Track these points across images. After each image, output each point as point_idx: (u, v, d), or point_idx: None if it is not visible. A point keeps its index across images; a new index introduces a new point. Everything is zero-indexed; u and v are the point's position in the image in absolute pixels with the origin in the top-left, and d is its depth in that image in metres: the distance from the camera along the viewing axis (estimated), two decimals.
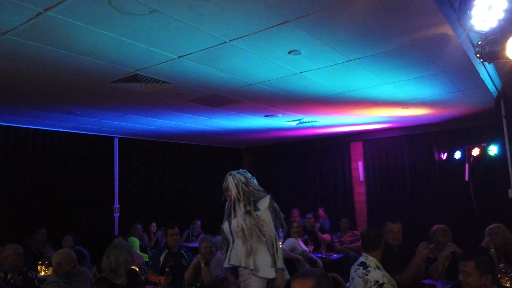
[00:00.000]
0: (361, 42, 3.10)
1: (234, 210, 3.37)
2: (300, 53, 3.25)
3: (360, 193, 8.17)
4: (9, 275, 3.49)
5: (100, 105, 4.86)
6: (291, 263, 5.00)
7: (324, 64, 3.57)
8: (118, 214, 7.07)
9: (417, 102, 5.26)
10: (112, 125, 6.15)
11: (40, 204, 5.97)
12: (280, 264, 3.23)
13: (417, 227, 6.96)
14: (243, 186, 3.34)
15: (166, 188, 7.92)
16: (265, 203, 3.34)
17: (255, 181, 3.49)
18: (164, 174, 7.96)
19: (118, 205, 7.09)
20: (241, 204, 3.32)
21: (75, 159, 6.54)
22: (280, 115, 5.80)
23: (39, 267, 4.64)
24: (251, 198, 3.33)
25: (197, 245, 6.44)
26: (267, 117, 5.95)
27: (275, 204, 3.47)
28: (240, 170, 3.52)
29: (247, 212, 3.28)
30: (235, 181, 3.36)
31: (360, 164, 8.17)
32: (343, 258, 5.58)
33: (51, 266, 4.64)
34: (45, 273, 4.60)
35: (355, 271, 3.02)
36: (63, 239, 5.46)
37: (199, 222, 7.39)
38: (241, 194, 3.32)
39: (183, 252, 4.58)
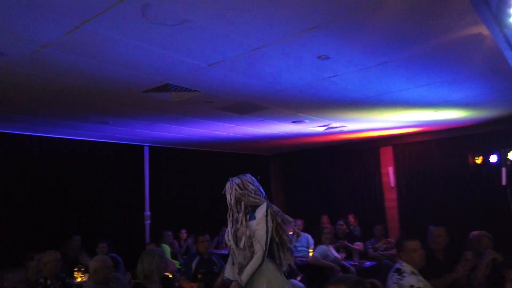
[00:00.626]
0: (392, 44, 3.05)
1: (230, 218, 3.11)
2: (330, 57, 3.23)
3: (391, 199, 7.99)
4: (49, 281, 3.60)
5: (131, 115, 4.98)
6: (323, 271, 4.93)
7: (353, 68, 3.53)
8: (149, 222, 7.19)
9: (450, 104, 5.12)
10: (142, 134, 6.29)
11: (75, 212, 6.15)
12: (243, 279, 2.86)
13: (452, 233, 6.71)
14: (237, 190, 3.09)
15: (195, 195, 8.00)
16: (261, 211, 2.98)
17: (255, 185, 3.15)
18: (193, 182, 8.05)
19: (149, 213, 7.21)
20: (233, 212, 3.07)
21: (107, 168, 6.71)
22: (307, 120, 5.77)
23: (75, 274, 4.77)
24: (248, 204, 3.03)
25: (227, 252, 6.50)
26: (295, 123, 5.93)
27: (276, 209, 3.06)
28: (244, 174, 3.26)
29: (236, 221, 3.01)
30: (231, 185, 3.15)
31: (391, 170, 7.99)
32: (376, 266, 5.45)
33: (87, 273, 4.78)
34: (82, 279, 4.72)
35: (390, 278, 2.95)
36: (97, 246, 5.59)
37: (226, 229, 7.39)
38: (233, 200, 3.07)
39: (214, 259, 4.60)
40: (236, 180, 3.17)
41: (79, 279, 4.72)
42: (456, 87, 4.29)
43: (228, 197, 3.13)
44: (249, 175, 3.24)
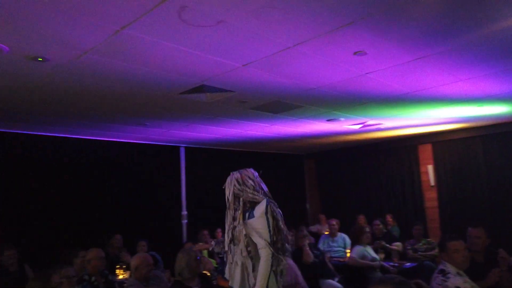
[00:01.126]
0: (431, 38, 2.94)
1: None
2: (366, 53, 3.16)
3: (431, 198, 7.72)
4: (93, 278, 3.74)
5: (167, 116, 5.09)
6: (361, 271, 4.84)
7: (390, 63, 3.44)
8: (186, 221, 7.33)
9: (494, 99, 4.88)
10: (178, 135, 6.41)
11: (116, 211, 6.35)
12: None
13: (496, 234, 6.39)
14: (236, 185, 2.84)
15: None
16: (260, 208, 2.71)
17: (256, 181, 2.89)
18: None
19: (185, 212, 7.35)
20: (231, 209, 2.83)
21: (145, 169, 6.90)
22: (342, 118, 5.68)
23: (117, 271, 4.93)
24: (246, 201, 2.79)
25: None
26: (329, 122, 5.86)
27: (276, 209, 2.79)
28: (246, 169, 3.02)
29: (234, 218, 2.78)
30: (230, 180, 2.90)
31: (430, 168, 7.72)
32: (417, 267, 5.28)
33: (128, 270, 4.93)
34: (123, 276, 4.87)
35: (434, 280, 2.85)
36: (137, 244, 5.76)
37: None
38: (231, 196, 2.83)
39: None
40: (236, 174, 2.91)
41: (120, 276, 4.87)
42: (501, 80, 4.08)
43: (226, 193, 2.90)
44: (251, 170, 3.00)
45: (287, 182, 9.30)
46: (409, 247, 5.98)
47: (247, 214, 2.75)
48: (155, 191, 6.95)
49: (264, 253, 2.55)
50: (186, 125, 5.68)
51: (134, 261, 3.51)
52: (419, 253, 5.86)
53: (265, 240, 2.57)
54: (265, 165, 8.71)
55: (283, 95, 4.28)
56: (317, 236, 7.01)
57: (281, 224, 2.73)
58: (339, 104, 4.80)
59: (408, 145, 7.98)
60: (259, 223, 2.64)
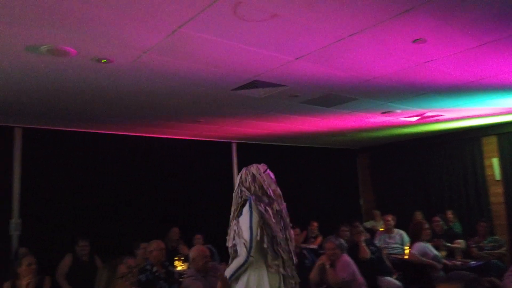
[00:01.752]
0: (500, 21, 2.73)
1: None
2: (426, 41, 3.00)
3: (496, 194, 7.22)
4: (154, 268, 3.92)
5: (220, 113, 5.18)
6: (422, 269, 4.64)
7: (453, 51, 3.24)
8: None
9: None
10: (230, 130, 6.51)
11: (172, 205, 6.58)
12: (226, 273, 2.64)
13: None
14: (238, 181, 2.87)
15: (282, 190, 8.06)
16: (246, 206, 2.68)
17: (257, 177, 2.86)
18: (279, 176, 8.12)
19: None
20: (233, 206, 2.84)
21: (199, 164, 7.08)
22: (399, 110, 5.47)
23: (175, 263, 5.13)
24: (242, 197, 2.77)
25: (315, 246, 6.46)
26: (385, 114, 5.66)
27: (259, 208, 2.67)
28: (253, 165, 2.98)
29: (233, 218, 2.77)
30: (239, 177, 2.89)
31: (495, 161, 7.22)
32: (484, 265, 4.97)
33: (186, 262, 5.10)
34: (182, 267, 5.06)
35: (507, 278, 2.66)
36: (194, 237, 5.95)
37: (315, 224, 7.35)
38: (235, 191, 2.85)
39: (305, 252, 4.60)
40: (243, 170, 2.90)
41: (179, 268, 5.07)
42: None
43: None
44: (255, 165, 2.98)
45: (340, 178, 9.14)
46: (473, 245, 5.65)
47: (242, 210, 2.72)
48: (208, 186, 7.12)
49: (241, 253, 2.59)
50: (238, 121, 5.75)
51: (192, 253, 3.64)
52: (485, 251, 5.52)
53: (244, 240, 2.57)
54: (317, 160, 8.69)
55: (336, 87, 4.20)
56: (371, 232, 6.82)
57: (270, 221, 2.65)
58: (396, 95, 4.62)
59: (470, 137, 7.51)
60: (243, 221, 2.64)
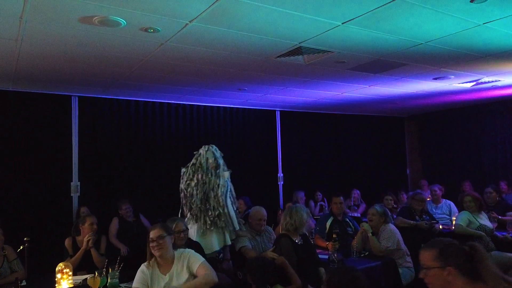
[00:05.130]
0: None
1: None
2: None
3: None
4: None
5: (264, 81, 5.17)
6: (470, 240, 4.52)
7: None
8: (282, 182, 7.55)
9: None
10: (274, 99, 6.50)
11: None
12: None
13: None
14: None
15: (325, 157, 8.06)
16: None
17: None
18: (323, 144, 8.10)
19: (281, 174, 7.56)
20: None
21: (242, 132, 7.19)
22: (452, 76, 5.18)
23: None
24: None
25: (358, 214, 6.46)
26: (437, 80, 5.39)
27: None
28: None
29: None
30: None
31: None
32: None
33: None
34: None
35: None
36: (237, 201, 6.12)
37: (358, 192, 7.31)
38: None
39: (348, 220, 4.62)
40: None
41: None
42: None
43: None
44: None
45: (386, 146, 8.93)
46: None
47: None
48: (253, 153, 7.24)
49: None
50: (282, 88, 5.72)
51: (250, 212, 3.84)
52: None
53: None
54: (362, 128, 8.51)
55: (385, 53, 4.03)
56: None
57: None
58: (449, 60, 4.37)
59: None
60: None
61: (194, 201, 3.75)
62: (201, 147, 4.11)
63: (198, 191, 3.76)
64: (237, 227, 3.85)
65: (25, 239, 3.84)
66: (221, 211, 3.75)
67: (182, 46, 3.61)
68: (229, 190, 3.95)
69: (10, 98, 5.18)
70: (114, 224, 5.17)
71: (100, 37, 3.30)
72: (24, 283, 3.25)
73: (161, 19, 2.96)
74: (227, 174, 3.90)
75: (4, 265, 3.42)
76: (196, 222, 3.76)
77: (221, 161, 3.98)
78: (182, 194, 3.91)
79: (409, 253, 4.15)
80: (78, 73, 4.47)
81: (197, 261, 2.81)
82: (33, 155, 5.28)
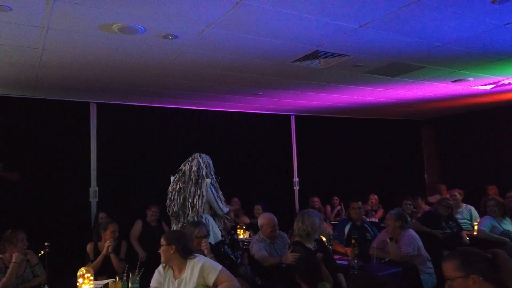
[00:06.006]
0: None
1: None
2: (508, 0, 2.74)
3: None
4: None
5: (280, 85, 5.17)
6: (493, 245, 4.41)
7: None
8: (298, 187, 7.51)
9: None
10: (289, 103, 6.49)
11: (232, 176, 6.76)
12: None
13: None
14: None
15: (341, 162, 7.99)
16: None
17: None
18: (339, 149, 8.03)
19: (297, 179, 7.52)
20: None
21: (258, 137, 7.19)
22: (471, 78, 5.09)
23: (238, 231, 5.35)
24: None
25: (376, 219, 6.37)
26: (455, 83, 5.31)
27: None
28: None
29: None
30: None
31: None
32: None
33: (247, 231, 5.30)
34: (243, 236, 5.27)
35: None
36: (254, 208, 6.12)
37: (375, 197, 7.22)
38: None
39: (367, 225, 4.57)
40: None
41: (241, 236, 5.28)
42: None
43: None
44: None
45: (403, 150, 8.81)
46: None
47: None
48: (268, 158, 7.23)
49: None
50: (298, 93, 5.71)
51: (260, 221, 3.80)
52: None
53: None
54: (378, 131, 8.43)
55: (403, 55, 3.99)
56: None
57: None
58: (469, 62, 4.30)
59: None
60: None
61: (174, 205, 4.06)
62: (198, 153, 4.39)
63: (177, 196, 4.08)
64: (218, 236, 4.01)
65: (45, 244, 3.90)
66: (192, 218, 3.97)
67: (199, 52, 3.64)
68: (214, 197, 4.14)
69: (31, 105, 5.30)
70: (138, 227, 5.20)
71: (119, 44, 3.35)
72: (46, 287, 3.29)
73: (179, 26, 3.00)
74: (208, 180, 4.08)
75: (26, 270, 3.47)
76: (177, 223, 4.10)
77: (203, 171, 4.13)
78: (168, 196, 4.27)
79: (430, 258, 4.07)
80: (97, 80, 4.54)
81: (213, 270, 2.66)
82: (53, 161, 5.38)
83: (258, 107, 6.78)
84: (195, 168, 4.12)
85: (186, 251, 2.75)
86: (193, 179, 4.09)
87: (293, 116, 7.63)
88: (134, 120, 6.06)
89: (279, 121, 7.48)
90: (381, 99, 6.35)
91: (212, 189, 4.09)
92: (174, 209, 4.09)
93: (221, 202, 4.17)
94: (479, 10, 2.89)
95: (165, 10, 2.71)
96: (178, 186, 4.14)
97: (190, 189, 4.05)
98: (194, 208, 3.95)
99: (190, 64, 4.01)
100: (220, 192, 4.31)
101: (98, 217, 5.23)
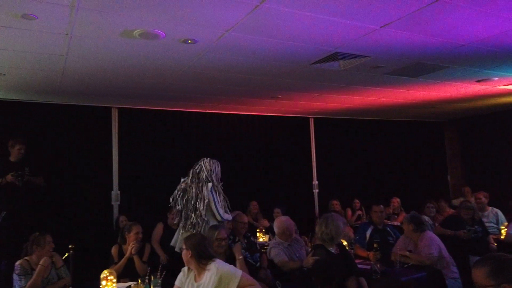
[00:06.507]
0: None
1: None
2: None
3: None
4: (237, 238, 4.12)
5: (298, 88, 5.14)
6: None
7: None
8: (317, 190, 7.45)
9: None
10: (308, 106, 6.46)
11: (251, 179, 6.77)
12: None
13: None
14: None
15: (362, 164, 7.89)
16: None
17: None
18: (359, 151, 7.92)
19: (317, 182, 7.46)
20: None
21: (277, 140, 7.17)
22: (496, 78, 4.95)
23: (257, 234, 5.33)
24: None
25: (398, 223, 6.24)
26: (479, 82, 5.17)
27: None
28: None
29: None
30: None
31: None
32: None
33: (267, 234, 5.28)
34: (263, 239, 5.25)
35: None
36: (273, 211, 6.09)
37: (398, 200, 7.08)
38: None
39: (389, 229, 4.49)
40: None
41: (260, 239, 5.26)
42: None
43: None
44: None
45: (425, 152, 8.64)
46: None
47: None
48: (287, 161, 7.20)
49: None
50: (317, 95, 5.67)
51: (275, 225, 3.77)
52: None
53: None
54: (399, 133, 8.28)
55: (425, 56, 3.91)
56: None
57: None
58: (494, 61, 4.18)
59: None
60: None
61: (178, 203, 4.14)
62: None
63: (180, 196, 4.15)
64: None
65: (69, 246, 3.97)
66: (195, 220, 3.97)
67: (218, 56, 3.66)
68: (214, 201, 4.04)
69: (55, 111, 5.43)
70: (159, 230, 5.25)
71: (140, 50, 3.40)
72: None
73: (198, 30, 3.01)
74: (209, 185, 4.04)
75: (52, 272, 3.55)
76: (183, 222, 4.11)
77: (204, 175, 4.07)
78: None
79: (454, 263, 3.97)
80: (119, 85, 4.62)
81: (234, 278, 2.63)
82: (76, 165, 5.49)
83: (276, 110, 6.76)
84: (197, 171, 4.15)
85: (202, 257, 2.75)
86: (195, 182, 4.11)
87: (312, 119, 7.58)
88: (154, 124, 6.14)
89: (298, 123, 7.45)
90: (403, 100, 6.24)
91: (213, 193, 4.02)
92: (178, 208, 4.15)
93: (222, 208, 4.05)
94: (504, 8, 2.81)
95: (185, 15, 2.74)
96: (182, 186, 4.21)
97: (192, 191, 4.09)
98: (197, 212, 3.97)
99: (209, 68, 4.03)
100: (224, 199, 4.20)
101: (119, 220, 5.31)
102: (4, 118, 5.17)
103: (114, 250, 3.94)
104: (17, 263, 3.44)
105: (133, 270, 3.73)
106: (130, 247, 3.76)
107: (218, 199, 4.07)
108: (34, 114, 5.34)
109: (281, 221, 3.90)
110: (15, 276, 3.38)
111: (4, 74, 4.01)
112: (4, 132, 5.02)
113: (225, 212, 4.08)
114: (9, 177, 4.48)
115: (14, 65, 3.73)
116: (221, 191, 4.18)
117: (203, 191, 4.00)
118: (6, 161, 4.68)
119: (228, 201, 4.22)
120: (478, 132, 8.35)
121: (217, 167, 4.19)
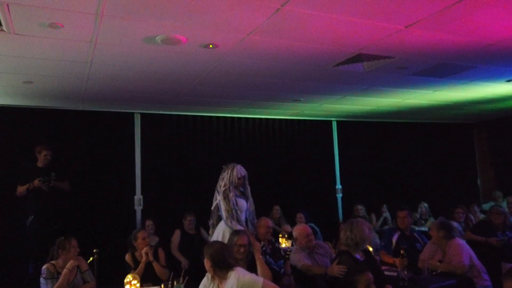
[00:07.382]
0: None
1: None
2: None
3: None
4: (262, 243, 4.08)
5: (320, 90, 5.08)
6: None
7: None
8: (341, 195, 7.32)
9: None
10: (330, 108, 6.37)
11: (272, 185, 6.70)
12: None
13: None
14: None
15: (387, 168, 7.69)
16: None
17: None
18: (384, 154, 7.74)
19: (340, 186, 7.34)
20: None
21: (299, 144, 7.09)
22: None
23: (280, 240, 5.27)
24: None
25: (426, 229, 6.06)
26: (509, 82, 4.97)
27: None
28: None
29: None
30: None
31: None
32: None
33: (290, 239, 5.21)
34: (286, 245, 5.18)
35: None
36: (296, 216, 6.02)
37: (425, 205, 6.87)
38: None
39: (416, 235, 4.35)
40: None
41: (283, 245, 5.19)
42: None
43: None
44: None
45: (454, 155, 8.35)
46: None
47: None
48: (310, 165, 7.11)
49: None
50: (339, 97, 5.58)
51: (294, 232, 3.73)
52: None
53: None
54: (426, 136, 8.05)
55: (452, 56, 3.79)
56: None
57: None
58: None
59: None
60: None
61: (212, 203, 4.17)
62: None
63: (215, 198, 4.16)
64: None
65: (94, 250, 4.03)
66: (210, 222, 4.09)
67: (240, 60, 3.65)
68: (219, 206, 4.00)
69: (79, 117, 5.55)
70: (177, 236, 5.28)
71: (162, 55, 3.43)
72: None
73: (219, 34, 3.01)
74: (220, 189, 4.06)
75: (77, 276, 3.60)
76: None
77: (222, 182, 4.04)
78: None
79: (486, 270, 3.80)
80: (141, 91, 4.68)
81: (255, 287, 2.57)
82: (100, 170, 5.59)
83: (298, 113, 6.70)
84: (224, 179, 4.12)
85: (221, 266, 2.69)
86: (218, 188, 4.11)
87: (335, 122, 7.47)
88: (176, 129, 6.19)
89: (320, 127, 7.35)
90: (429, 102, 6.08)
91: (221, 201, 3.96)
92: (212, 208, 4.17)
93: (229, 217, 3.85)
94: None
95: (206, 19, 2.74)
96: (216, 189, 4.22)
97: (215, 197, 4.13)
98: (215, 215, 4.04)
99: (229, 72, 4.03)
100: (237, 209, 3.93)
101: (145, 224, 5.35)
102: (31, 125, 5.32)
103: (128, 257, 3.96)
104: (44, 267, 3.51)
105: (154, 275, 3.74)
106: (143, 252, 3.78)
107: (226, 207, 3.89)
108: (59, 121, 5.47)
109: (297, 229, 3.90)
110: (42, 280, 3.45)
111: (32, 82, 4.12)
112: (31, 139, 5.16)
113: (233, 220, 3.85)
114: (36, 182, 4.60)
115: (41, 73, 3.83)
116: (232, 197, 3.93)
117: (215, 194, 4.07)
118: (33, 167, 4.81)
119: (239, 210, 3.97)
120: (509, 133, 8.03)
121: (231, 171, 4.02)
